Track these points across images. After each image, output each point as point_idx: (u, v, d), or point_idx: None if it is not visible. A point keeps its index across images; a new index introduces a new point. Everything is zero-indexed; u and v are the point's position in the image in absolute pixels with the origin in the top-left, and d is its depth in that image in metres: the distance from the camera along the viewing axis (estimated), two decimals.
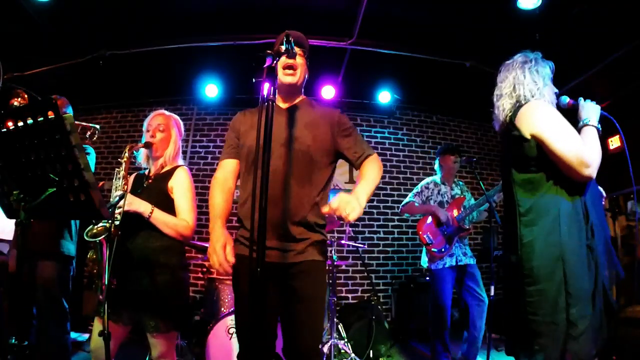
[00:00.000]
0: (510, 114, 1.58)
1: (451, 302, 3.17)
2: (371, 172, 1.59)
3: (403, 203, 3.40)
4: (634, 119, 4.18)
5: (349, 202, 1.32)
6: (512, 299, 1.54)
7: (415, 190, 3.40)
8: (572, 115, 1.60)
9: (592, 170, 1.41)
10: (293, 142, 1.56)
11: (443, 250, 3.16)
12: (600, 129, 1.54)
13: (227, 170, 1.66)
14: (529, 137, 1.47)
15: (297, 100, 1.71)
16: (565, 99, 1.67)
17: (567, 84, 4.36)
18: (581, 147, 1.41)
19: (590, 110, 1.58)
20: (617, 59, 3.76)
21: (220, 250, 1.44)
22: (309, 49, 1.69)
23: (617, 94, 4.32)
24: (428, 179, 3.43)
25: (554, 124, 1.44)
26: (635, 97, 4.07)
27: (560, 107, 1.63)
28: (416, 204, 3.33)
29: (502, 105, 1.63)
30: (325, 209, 1.37)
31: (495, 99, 1.68)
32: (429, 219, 3.27)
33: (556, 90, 1.66)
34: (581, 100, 1.64)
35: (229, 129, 1.74)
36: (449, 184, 3.41)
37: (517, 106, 1.57)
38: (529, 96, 1.58)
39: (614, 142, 4.49)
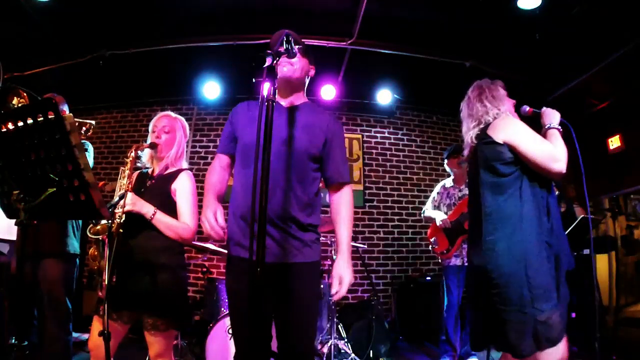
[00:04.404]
0: (479, 133, 1.79)
1: (459, 301, 3.29)
2: (349, 217, 1.66)
3: (422, 211, 3.70)
4: (634, 118, 4.19)
5: (342, 283, 1.52)
6: (478, 296, 1.71)
7: (430, 200, 3.66)
8: (533, 122, 1.80)
9: (562, 165, 1.59)
10: (290, 143, 1.55)
11: (445, 251, 3.35)
12: (561, 129, 1.75)
13: (223, 163, 1.70)
14: (501, 142, 1.66)
15: (299, 102, 1.69)
16: (526, 108, 1.89)
17: (567, 84, 4.36)
18: (549, 146, 1.62)
19: (552, 116, 1.78)
20: (617, 59, 3.76)
21: (211, 216, 1.48)
22: (305, 46, 1.66)
23: (617, 94, 4.32)
24: (439, 184, 3.65)
25: (523, 132, 1.65)
26: (635, 97, 4.07)
27: (521, 115, 1.86)
28: (425, 213, 3.62)
29: (472, 135, 1.83)
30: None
31: (464, 133, 1.89)
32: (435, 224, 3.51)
33: (514, 101, 1.88)
34: (543, 108, 1.84)
35: (227, 121, 1.73)
36: (460, 184, 3.51)
37: (486, 127, 1.77)
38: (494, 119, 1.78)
39: (614, 142, 4.48)
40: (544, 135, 1.72)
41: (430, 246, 3.56)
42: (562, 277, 1.58)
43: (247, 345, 1.41)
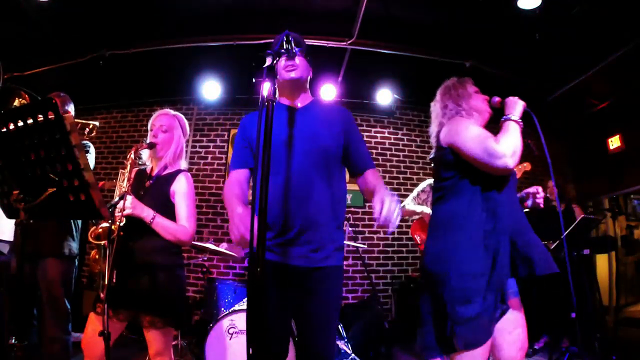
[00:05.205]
0: (436, 137, 1.77)
1: None
2: (383, 184, 1.59)
3: (402, 205, 3.51)
4: (634, 118, 4.20)
5: (384, 206, 1.25)
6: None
7: (412, 195, 3.51)
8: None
9: (506, 160, 1.48)
10: (313, 140, 1.53)
11: None
12: (522, 122, 1.63)
13: (242, 177, 1.60)
14: (445, 146, 1.63)
15: (308, 101, 1.69)
16: (495, 99, 1.78)
17: (567, 84, 4.36)
18: (489, 143, 1.49)
19: (512, 106, 1.66)
20: (617, 59, 3.76)
21: (239, 219, 1.22)
22: (306, 48, 1.66)
23: (617, 94, 4.32)
24: (425, 182, 3.53)
25: (462, 131, 1.57)
26: (635, 97, 4.08)
27: (493, 107, 1.78)
28: (406, 207, 3.44)
29: (432, 138, 1.82)
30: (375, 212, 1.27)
31: (431, 135, 1.85)
32: (419, 220, 3.39)
33: (486, 97, 1.79)
34: (508, 98, 1.73)
35: (237, 136, 1.67)
36: None
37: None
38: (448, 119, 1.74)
39: (614, 142, 4.48)
40: (501, 126, 1.62)
41: (416, 241, 3.45)
42: (494, 284, 1.48)
43: (261, 346, 1.40)
